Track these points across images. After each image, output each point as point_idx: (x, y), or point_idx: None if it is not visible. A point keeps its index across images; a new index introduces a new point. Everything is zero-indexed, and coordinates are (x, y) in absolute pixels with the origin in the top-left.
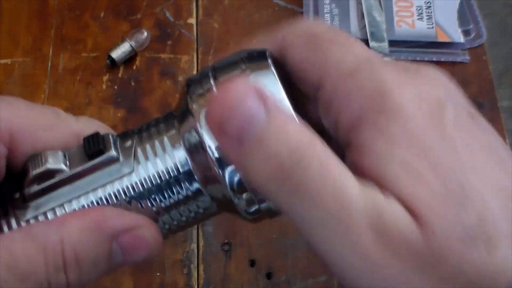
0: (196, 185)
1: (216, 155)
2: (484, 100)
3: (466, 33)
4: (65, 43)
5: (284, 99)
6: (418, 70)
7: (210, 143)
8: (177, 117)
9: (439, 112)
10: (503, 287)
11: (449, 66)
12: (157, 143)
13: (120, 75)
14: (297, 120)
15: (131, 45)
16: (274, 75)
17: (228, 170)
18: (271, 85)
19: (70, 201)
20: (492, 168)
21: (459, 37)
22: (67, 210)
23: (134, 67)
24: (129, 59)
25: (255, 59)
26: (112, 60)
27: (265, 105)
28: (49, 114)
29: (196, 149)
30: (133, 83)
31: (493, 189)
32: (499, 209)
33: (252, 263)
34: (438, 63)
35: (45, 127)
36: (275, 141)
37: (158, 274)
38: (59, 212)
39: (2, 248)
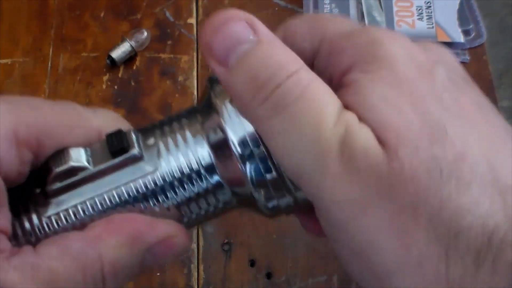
0: (217, 179)
1: (239, 150)
2: None
3: (466, 33)
4: (65, 43)
5: None
6: (416, 39)
7: (233, 138)
8: (200, 111)
9: (430, 67)
10: (459, 227)
11: None
12: (179, 138)
13: (120, 75)
14: (285, 47)
15: (131, 45)
16: None
17: (250, 165)
18: None
19: (93, 198)
20: (478, 120)
21: (459, 37)
22: (89, 207)
23: (134, 67)
24: (129, 59)
25: None
26: (112, 60)
27: (254, 30)
28: (70, 112)
29: (219, 144)
30: (133, 83)
31: (476, 135)
32: (480, 154)
33: (252, 263)
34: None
35: (68, 126)
36: (259, 60)
37: (158, 274)
38: (81, 209)
39: (42, 265)
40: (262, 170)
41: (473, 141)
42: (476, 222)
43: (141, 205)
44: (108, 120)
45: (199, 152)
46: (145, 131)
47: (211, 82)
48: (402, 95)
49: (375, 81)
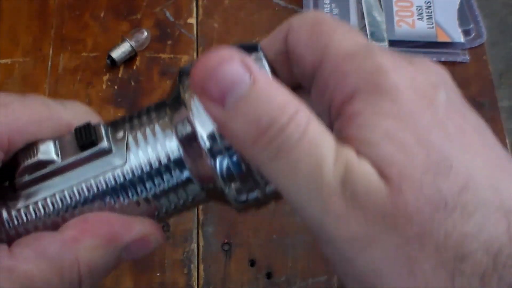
0: (186, 174)
1: (208, 144)
2: (484, 100)
3: (466, 33)
4: (65, 43)
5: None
6: (413, 59)
7: (202, 132)
8: (169, 105)
9: (432, 94)
10: (464, 252)
11: (449, 66)
12: (148, 131)
13: (120, 75)
14: (281, 86)
15: (131, 45)
16: (265, 66)
17: (219, 159)
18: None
19: (62, 191)
20: (481, 146)
21: (459, 37)
22: (58, 200)
23: (134, 67)
24: (129, 59)
25: (247, 51)
26: (112, 60)
27: (249, 70)
28: (40, 106)
29: (187, 138)
30: (133, 83)
31: (480, 162)
32: (484, 179)
33: (252, 263)
34: (438, 63)
35: (38, 121)
36: (257, 103)
37: (158, 274)
38: (50, 202)
39: (19, 269)
40: (231, 164)
41: (477, 168)
42: (481, 246)
43: (111, 200)
44: (78, 113)
45: (167, 146)
46: (114, 125)
47: (180, 75)
48: (405, 128)
49: (378, 114)
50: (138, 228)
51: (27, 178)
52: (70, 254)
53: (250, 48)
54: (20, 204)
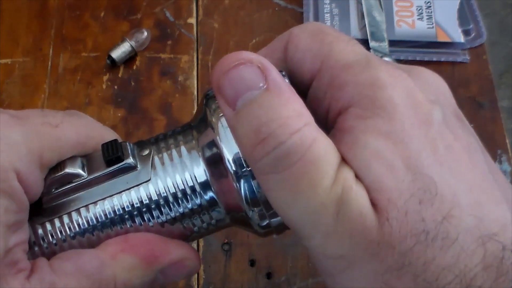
0: (211, 196)
1: (234, 168)
2: (484, 100)
3: (466, 33)
4: (65, 43)
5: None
6: (412, 71)
7: (228, 155)
8: (196, 128)
9: (427, 110)
10: (440, 285)
11: (449, 66)
12: (175, 152)
13: (120, 75)
14: (295, 97)
15: (131, 45)
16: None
17: (244, 183)
18: None
19: (86, 206)
20: (469, 168)
21: (459, 37)
22: (82, 215)
23: (134, 67)
24: (129, 59)
25: None
26: (112, 60)
27: (266, 76)
28: (85, 127)
29: (214, 161)
30: (133, 83)
31: (466, 186)
32: (468, 205)
33: (252, 263)
34: (438, 63)
35: (84, 142)
36: (264, 111)
37: None
38: (74, 217)
39: (60, 283)
40: (255, 189)
41: (462, 193)
42: (456, 278)
43: (136, 221)
44: (109, 133)
45: (194, 168)
46: (140, 144)
47: (207, 99)
48: (395, 150)
49: (370, 132)
50: (177, 250)
51: (53, 192)
52: (109, 271)
53: None
54: (45, 218)
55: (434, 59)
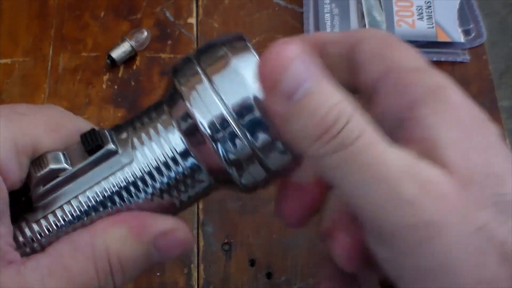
0: (193, 162)
1: (209, 132)
2: (484, 100)
3: (466, 32)
4: (65, 43)
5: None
6: None
7: (202, 120)
8: (167, 102)
9: (483, 117)
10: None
11: (449, 66)
12: (151, 130)
13: (120, 75)
14: (339, 87)
15: (131, 45)
16: (254, 55)
17: (221, 144)
18: (252, 64)
19: (76, 197)
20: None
21: (459, 37)
22: (74, 206)
23: (134, 67)
24: (129, 59)
25: (234, 41)
26: (112, 60)
27: (313, 67)
28: (55, 115)
29: (189, 129)
30: (133, 83)
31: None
32: None
33: (252, 263)
34: (438, 63)
35: (54, 130)
36: (321, 102)
37: (158, 274)
38: (67, 209)
39: (56, 263)
40: (233, 147)
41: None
42: None
43: (125, 199)
44: (83, 122)
45: (171, 140)
46: (117, 128)
47: (174, 72)
48: (466, 140)
49: (443, 122)
50: (165, 221)
51: (41, 189)
52: (101, 243)
53: (236, 38)
54: (39, 215)
55: (434, 59)
